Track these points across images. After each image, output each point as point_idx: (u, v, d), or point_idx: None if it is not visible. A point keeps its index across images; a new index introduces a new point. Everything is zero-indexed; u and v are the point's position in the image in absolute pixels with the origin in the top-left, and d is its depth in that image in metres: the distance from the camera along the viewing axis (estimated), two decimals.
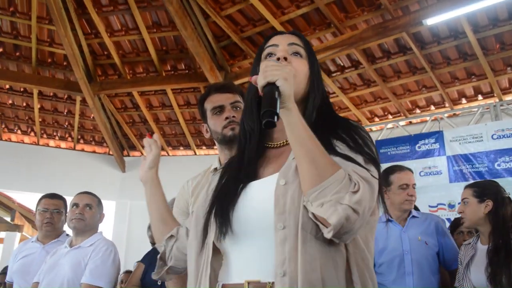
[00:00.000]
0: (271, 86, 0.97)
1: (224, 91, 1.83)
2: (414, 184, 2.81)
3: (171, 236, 1.30)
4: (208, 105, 1.82)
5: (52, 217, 2.96)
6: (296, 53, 1.17)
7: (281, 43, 1.18)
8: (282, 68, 1.00)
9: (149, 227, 3.78)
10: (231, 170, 1.18)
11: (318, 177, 0.93)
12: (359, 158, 1.01)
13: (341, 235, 0.92)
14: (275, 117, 0.93)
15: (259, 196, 1.05)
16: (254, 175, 1.12)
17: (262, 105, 0.95)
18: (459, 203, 2.66)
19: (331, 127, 1.11)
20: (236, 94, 1.83)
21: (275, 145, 1.18)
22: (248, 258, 1.05)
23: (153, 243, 3.60)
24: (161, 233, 1.33)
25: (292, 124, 0.99)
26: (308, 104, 1.15)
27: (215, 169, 1.84)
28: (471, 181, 4.64)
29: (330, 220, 0.89)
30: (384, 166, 1.51)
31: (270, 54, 1.18)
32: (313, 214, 0.94)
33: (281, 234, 0.96)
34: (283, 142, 1.16)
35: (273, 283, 0.96)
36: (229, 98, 1.81)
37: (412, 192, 2.75)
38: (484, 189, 2.51)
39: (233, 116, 1.76)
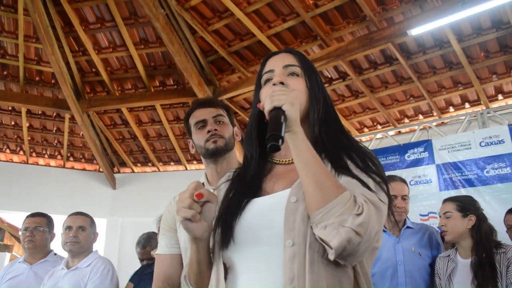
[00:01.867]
0: (277, 111, 1.00)
1: (206, 105, 1.85)
2: (405, 195, 2.80)
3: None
4: (192, 121, 1.85)
5: (33, 234, 2.92)
6: (292, 74, 1.19)
7: (277, 67, 1.20)
8: (288, 93, 1.02)
9: (138, 243, 3.75)
10: (237, 185, 1.20)
11: (323, 199, 0.94)
12: (370, 181, 1.01)
13: (345, 258, 0.92)
14: (280, 141, 0.95)
15: (266, 211, 1.06)
16: (259, 191, 1.13)
17: (268, 129, 0.97)
18: None
19: (340, 144, 1.12)
20: (218, 108, 1.86)
21: (284, 162, 1.19)
22: (254, 269, 1.04)
23: (141, 259, 3.57)
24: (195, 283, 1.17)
25: (297, 147, 1.01)
26: (309, 119, 1.16)
27: (202, 184, 1.84)
28: (461, 189, 4.70)
29: (331, 243, 0.90)
30: None
31: (268, 80, 1.20)
32: (319, 236, 0.94)
33: (290, 252, 0.96)
34: (292, 160, 1.15)
35: None
36: (211, 112, 1.83)
37: (399, 203, 2.74)
38: (467, 204, 2.54)
39: (215, 129, 1.78)
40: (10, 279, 2.87)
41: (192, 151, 1.89)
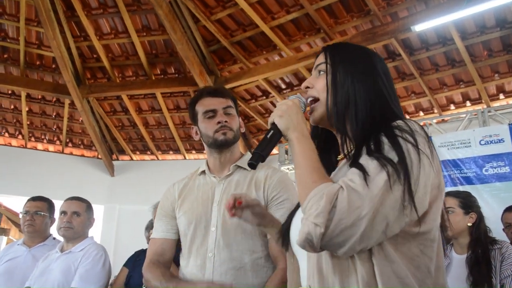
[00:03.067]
0: (271, 126, 1.13)
1: (216, 95, 1.83)
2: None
3: None
4: (200, 108, 1.82)
5: (33, 219, 2.94)
6: (319, 72, 1.21)
7: (313, 69, 1.24)
8: (280, 107, 1.12)
9: (146, 228, 3.77)
10: None
11: (304, 197, 0.97)
12: (371, 165, 0.93)
13: (329, 248, 0.92)
14: (259, 160, 1.10)
15: (298, 217, 1.12)
16: None
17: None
18: None
19: (364, 133, 1.05)
20: (228, 99, 1.84)
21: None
22: (303, 271, 1.15)
23: None
24: None
25: (292, 152, 1.08)
26: (329, 114, 1.15)
27: (203, 171, 1.85)
28: (460, 187, 4.70)
29: (296, 239, 0.95)
30: None
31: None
32: None
33: (307, 254, 1.07)
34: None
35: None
36: (221, 103, 1.81)
37: None
38: (469, 201, 2.54)
39: (225, 121, 1.77)
40: (8, 261, 2.88)
41: (196, 138, 1.87)
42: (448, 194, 2.64)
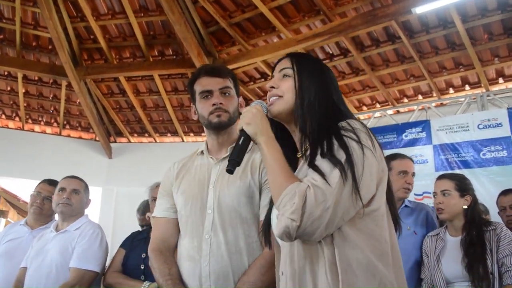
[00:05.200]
0: (241, 133, 1.29)
1: (214, 74, 1.80)
2: (414, 173, 2.83)
3: None
4: (197, 88, 1.80)
5: (43, 202, 2.96)
6: (285, 75, 1.39)
7: (276, 72, 1.43)
8: (246, 114, 1.30)
9: (138, 210, 3.78)
10: None
11: (277, 195, 1.15)
12: (324, 165, 1.14)
13: (301, 239, 1.15)
14: (235, 165, 1.28)
15: (274, 215, 1.33)
16: None
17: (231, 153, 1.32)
18: None
19: (319, 133, 1.24)
20: (226, 79, 1.80)
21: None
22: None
23: (142, 226, 3.60)
24: None
25: (262, 154, 1.26)
26: (294, 115, 1.34)
27: (202, 152, 1.84)
28: (457, 170, 4.72)
29: (275, 232, 1.15)
30: None
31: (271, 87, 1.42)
32: None
33: (281, 243, 1.29)
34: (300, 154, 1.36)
35: None
36: (218, 83, 1.78)
37: (410, 179, 2.77)
38: (464, 183, 2.55)
39: (221, 103, 1.74)
40: (10, 241, 2.89)
41: (195, 117, 1.86)
42: (444, 176, 2.65)
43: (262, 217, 1.63)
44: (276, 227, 1.12)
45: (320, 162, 1.16)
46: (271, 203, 1.38)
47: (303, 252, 1.17)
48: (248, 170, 1.71)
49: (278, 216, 1.12)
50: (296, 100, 1.33)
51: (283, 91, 1.36)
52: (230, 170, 1.27)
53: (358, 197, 1.12)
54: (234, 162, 1.27)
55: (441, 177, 2.65)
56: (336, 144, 1.17)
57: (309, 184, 1.10)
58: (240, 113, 1.82)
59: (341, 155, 1.14)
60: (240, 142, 1.28)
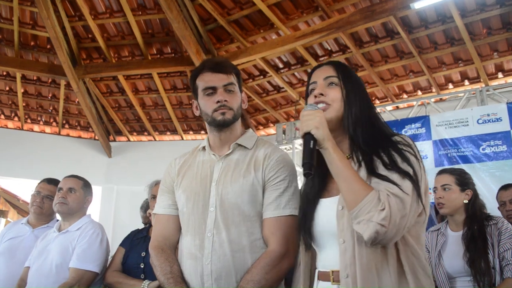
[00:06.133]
0: (307, 136, 1.32)
1: (218, 71, 1.74)
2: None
3: None
4: (200, 83, 1.76)
5: (42, 201, 2.94)
6: (331, 83, 1.47)
7: (319, 79, 1.50)
8: (313, 118, 1.32)
9: (141, 208, 3.77)
10: (307, 186, 1.53)
11: (354, 201, 1.24)
12: (394, 176, 1.26)
13: (380, 243, 1.23)
14: (312, 169, 1.29)
15: (325, 216, 1.41)
16: (318, 192, 1.47)
17: (302, 156, 1.32)
18: None
19: (373, 144, 1.36)
20: (230, 75, 1.75)
21: None
22: (327, 258, 1.43)
23: (145, 223, 3.59)
24: None
25: (330, 159, 1.31)
26: (344, 124, 1.43)
27: (203, 148, 1.82)
28: (456, 166, 4.71)
29: (364, 236, 1.21)
30: None
31: (312, 91, 1.50)
32: (355, 229, 1.25)
33: (343, 247, 1.31)
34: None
35: (337, 271, 1.32)
36: (222, 80, 1.73)
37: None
38: (465, 178, 2.53)
39: (225, 100, 1.70)
40: (11, 239, 2.88)
41: (196, 113, 1.82)
42: (444, 171, 2.63)
43: (266, 216, 1.62)
44: (364, 231, 1.20)
45: (387, 172, 1.27)
46: (308, 204, 1.48)
47: (370, 255, 1.26)
48: (252, 167, 1.69)
49: (361, 221, 1.22)
50: (345, 109, 1.43)
51: (332, 99, 1.43)
52: (308, 173, 1.29)
53: (421, 205, 1.27)
54: (309, 165, 1.29)
55: (441, 172, 2.63)
56: (399, 157, 1.30)
57: (387, 192, 1.22)
58: (241, 110, 1.80)
59: (407, 168, 1.28)
60: (311, 146, 1.30)
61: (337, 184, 1.31)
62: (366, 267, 1.25)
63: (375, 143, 1.36)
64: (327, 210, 1.41)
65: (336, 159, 1.29)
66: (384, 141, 1.36)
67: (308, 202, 1.49)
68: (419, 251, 1.30)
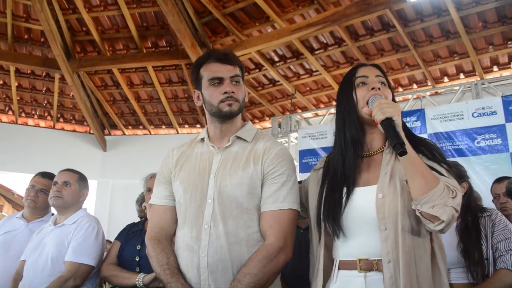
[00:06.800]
0: (389, 120, 1.37)
1: (225, 62, 1.72)
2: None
3: None
4: (206, 73, 1.73)
5: (37, 195, 2.92)
6: (383, 83, 1.56)
7: (370, 75, 1.57)
8: (395, 106, 1.40)
9: (137, 201, 3.77)
10: (330, 176, 1.58)
11: (427, 187, 1.32)
12: (443, 170, 1.41)
13: (449, 226, 1.31)
14: (403, 146, 1.33)
15: (361, 205, 1.47)
16: (352, 181, 1.51)
17: (390, 137, 1.37)
18: None
19: (412, 140, 1.43)
20: (236, 67, 1.74)
21: (367, 154, 1.57)
22: (353, 247, 1.48)
23: (140, 217, 3.59)
24: None
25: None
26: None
27: (202, 139, 1.81)
28: (452, 159, 4.72)
29: (442, 217, 1.29)
30: None
31: (363, 83, 1.57)
32: (420, 213, 1.33)
33: (384, 234, 1.40)
34: (373, 152, 1.57)
35: (379, 260, 1.40)
36: (229, 71, 1.71)
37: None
38: (460, 171, 2.56)
39: (232, 92, 1.69)
40: (5, 233, 2.87)
41: (198, 103, 1.80)
42: None
43: (264, 209, 1.62)
44: (441, 214, 1.29)
45: (436, 166, 1.42)
46: (333, 193, 1.52)
47: (411, 242, 1.38)
48: (251, 160, 1.68)
49: (436, 205, 1.30)
50: None
51: (386, 96, 1.52)
52: (403, 152, 1.33)
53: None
54: (401, 144, 1.34)
55: None
56: (436, 153, 1.47)
57: (447, 184, 1.34)
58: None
59: (446, 162, 1.46)
60: (397, 129, 1.37)
61: (406, 171, 1.38)
62: (408, 253, 1.35)
63: (414, 141, 1.45)
64: (363, 199, 1.47)
65: (410, 146, 1.36)
66: (419, 140, 1.51)
67: (333, 191, 1.53)
68: (441, 242, 1.46)
